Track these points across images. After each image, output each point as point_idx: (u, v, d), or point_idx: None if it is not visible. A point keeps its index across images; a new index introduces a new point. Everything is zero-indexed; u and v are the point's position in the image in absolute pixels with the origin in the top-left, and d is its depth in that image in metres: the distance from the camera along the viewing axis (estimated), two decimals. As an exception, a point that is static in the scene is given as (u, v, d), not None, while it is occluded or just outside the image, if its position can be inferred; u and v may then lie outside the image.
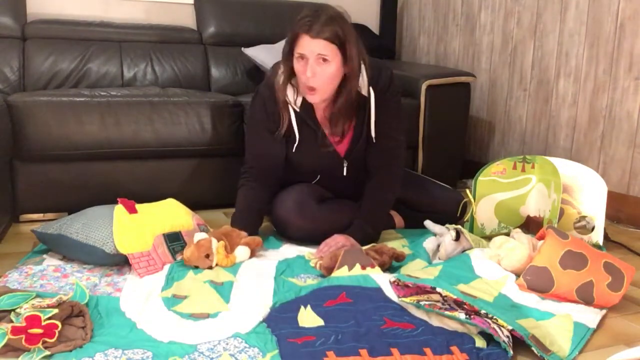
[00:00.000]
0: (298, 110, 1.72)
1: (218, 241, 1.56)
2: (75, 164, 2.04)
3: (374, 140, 1.77)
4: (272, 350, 1.10)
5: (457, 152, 2.70)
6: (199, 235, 1.57)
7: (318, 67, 1.59)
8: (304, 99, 1.71)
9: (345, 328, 1.17)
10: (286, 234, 1.81)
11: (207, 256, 1.52)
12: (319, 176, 1.84)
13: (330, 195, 1.88)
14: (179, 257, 1.57)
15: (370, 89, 1.72)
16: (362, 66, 1.69)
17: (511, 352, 1.11)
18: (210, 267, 1.53)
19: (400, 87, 1.82)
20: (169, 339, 1.14)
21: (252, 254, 1.63)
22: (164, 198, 1.78)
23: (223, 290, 1.39)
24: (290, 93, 1.71)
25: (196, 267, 1.52)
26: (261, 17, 2.90)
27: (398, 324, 1.19)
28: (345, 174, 1.82)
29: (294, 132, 1.75)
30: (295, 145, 1.76)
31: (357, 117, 1.76)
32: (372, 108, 1.74)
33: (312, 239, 1.74)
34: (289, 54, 1.65)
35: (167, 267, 1.53)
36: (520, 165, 1.90)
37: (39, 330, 1.05)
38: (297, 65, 1.63)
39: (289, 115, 1.72)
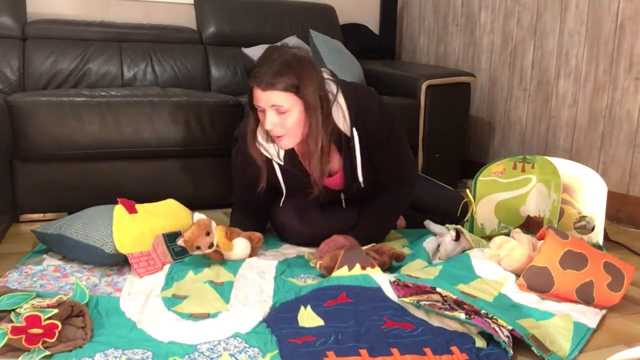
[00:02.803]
0: (282, 163, 1.65)
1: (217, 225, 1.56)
2: (75, 164, 2.04)
3: (362, 185, 1.68)
4: (272, 350, 1.10)
5: (457, 152, 2.69)
6: (198, 216, 1.56)
7: (277, 118, 1.50)
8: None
9: (345, 328, 1.17)
10: (287, 240, 1.80)
11: (208, 234, 1.52)
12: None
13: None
14: (179, 241, 1.54)
15: (354, 131, 1.60)
16: (341, 101, 1.58)
17: (511, 352, 1.11)
18: (212, 246, 1.51)
19: (391, 117, 1.66)
20: (169, 339, 1.14)
21: (253, 252, 1.63)
22: (164, 198, 1.78)
23: (223, 290, 1.39)
24: (270, 147, 1.63)
25: (196, 267, 1.52)
26: (261, 17, 2.90)
27: (398, 324, 1.19)
28: (344, 206, 1.79)
29: (280, 186, 1.71)
30: (283, 199, 1.74)
31: (343, 156, 1.66)
32: (357, 151, 1.63)
33: (314, 244, 1.72)
34: (251, 107, 1.58)
35: (167, 267, 1.53)
36: (520, 165, 1.90)
37: (39, 330, 1.05)
38: (260, 117, 1.55)
39: (274, 170, 1.67)
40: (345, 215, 1.79)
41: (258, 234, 1.66)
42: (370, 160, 1.66)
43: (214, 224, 1.55)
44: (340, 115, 1.59)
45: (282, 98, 1.48)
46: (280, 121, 1.51)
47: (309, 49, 2.49)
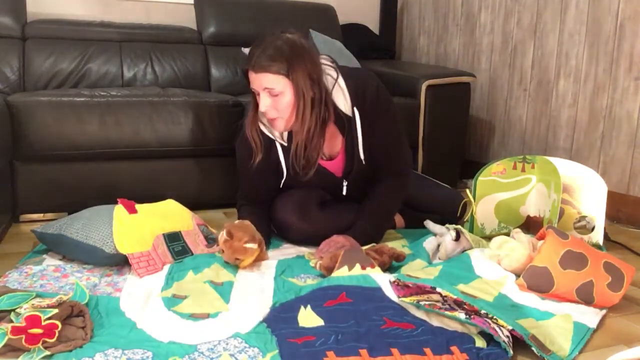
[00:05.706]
0: (286, 144, 1.69)
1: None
2: (75, 164, 2.04)
3: (364, 162, 1.71)
4: (272, 350, 1.10)
5: (457, 152, 2.69)
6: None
7: (270, 100, 1.56)
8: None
9: (345, 328, 1.17)
10: (287, 237, 1.80)
11: (246, 242, 1.52)
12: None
13: (331, 197, 1.88)
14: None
15: (355, 109, 1.65)
16: (341, 83, 1.63)
17: (511, 352, 1.11)
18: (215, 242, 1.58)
19: (389, 97, 1.71)
20: (169, 339, 1.14)
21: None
22: (164, 198, 1.78)
23: (223, 290, 1.39)
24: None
25: (196, 267, 1.52)
26: (261, 17, 2.90)
27: (398, 324, 1.19)
28: (344, 193, 1.80)
29: (281, 167, 1.73)
30: (284, 179, 1.75)
31: (345, 137, 1.70)
32: (358, 129, 1.67)
33: (314, 242, 1.73)
34: (251, 91, 1.63)
35: (167, 267, 1.53)
36: (520, 165, 1.90)
37: (39, 330, 1.05)
38: (257, 100, 1.61)
39: (277, 152, 1.70)
40: (344, 213, 1.79)
41: (266, 258, 1.64)
42: (370, 140, 1.70)
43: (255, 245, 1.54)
44: (341, 96, 1.64)
45: (273, 80, 1.54)
46: (273, 103, 1.57)
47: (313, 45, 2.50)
